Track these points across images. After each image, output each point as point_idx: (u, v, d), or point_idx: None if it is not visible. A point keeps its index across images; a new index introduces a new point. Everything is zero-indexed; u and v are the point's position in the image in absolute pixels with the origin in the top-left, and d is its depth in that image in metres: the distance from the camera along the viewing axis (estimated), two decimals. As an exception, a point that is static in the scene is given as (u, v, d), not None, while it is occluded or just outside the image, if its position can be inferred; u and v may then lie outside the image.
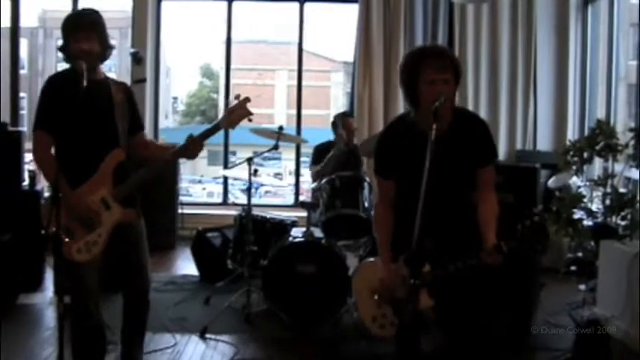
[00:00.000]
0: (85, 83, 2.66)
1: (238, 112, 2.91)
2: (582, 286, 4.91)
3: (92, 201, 2.81)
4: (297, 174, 7.86)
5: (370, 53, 6.93)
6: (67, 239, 2.70)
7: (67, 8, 7.15)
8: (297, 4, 7.44)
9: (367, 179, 4.59)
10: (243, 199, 6.45)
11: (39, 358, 3.63)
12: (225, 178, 7.80)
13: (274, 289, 4.25)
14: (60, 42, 2.88)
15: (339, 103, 20.33)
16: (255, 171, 4.49)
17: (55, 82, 2.87)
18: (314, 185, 4.77)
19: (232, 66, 7.95)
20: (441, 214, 2.50)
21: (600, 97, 6.69)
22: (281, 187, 13.04)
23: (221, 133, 3.58)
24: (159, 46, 7.59)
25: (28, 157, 4.68)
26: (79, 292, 2.80)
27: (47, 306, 4.57)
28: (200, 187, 16.89)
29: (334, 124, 5.21)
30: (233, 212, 5.11)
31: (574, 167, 5.22)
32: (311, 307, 4.20)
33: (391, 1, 6.90)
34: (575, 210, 5.02)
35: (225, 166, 7.15)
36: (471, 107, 6.66)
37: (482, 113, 6.69)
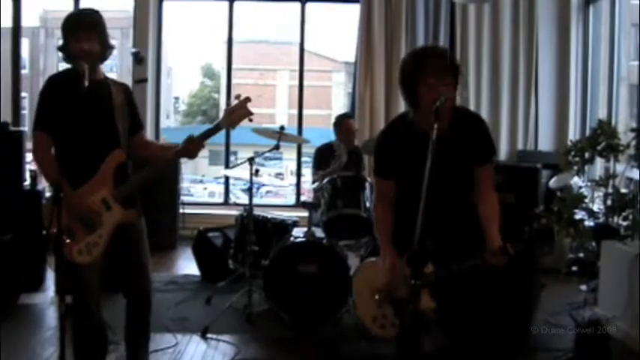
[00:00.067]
0: (86, 84, 2.66)
1: (239, 112, 2.91)
2: (583, 287, 4.90)
3: (93, 202, 2.80)
4: (299, 174, 7.85)
5: (371, 53, 6.93)
6: (68, 240, 2.69)
7: (69, 8, 7.14)
8: (298, 4, 7.44)
9: (368, 179, 4.59)
10: (244, 199, 6.46)
11: (40, 358, 3.62)
12: (227, 178, 7.79)
13: (275, 289, 4.25)
14: (60, 42, 2.87)
15: (340, 103, 20.32)
16: (257, 171, 4.49)
17: (54, 82, 2.86)
18: (315, 185, 4.77)
19: (234, 66, 7.97)
20: (441, 214, 2.50)
21: (602, 97, 6.68)
22: (282, 187, 13.03)
23: (222, 132, 3.58)
24: (160, 46, 7.60)
25: (30, 156, 4.68)
26: (80, 291, 2.80)
27: (48, 306, 4.57)
28: (201, 186, 16.90)
29: (336, 125, 5.20)
30: (234, 212, 5.10)
31: (575, 167, 5.22)
32: (312, 307, 4.20)
33: (392, 1, 6.89)
34: (576, 210, 5.03)
35: (227, 166, 7.13)
36: (472, 107, 6.65)
37: (484, 113, 6.69)
